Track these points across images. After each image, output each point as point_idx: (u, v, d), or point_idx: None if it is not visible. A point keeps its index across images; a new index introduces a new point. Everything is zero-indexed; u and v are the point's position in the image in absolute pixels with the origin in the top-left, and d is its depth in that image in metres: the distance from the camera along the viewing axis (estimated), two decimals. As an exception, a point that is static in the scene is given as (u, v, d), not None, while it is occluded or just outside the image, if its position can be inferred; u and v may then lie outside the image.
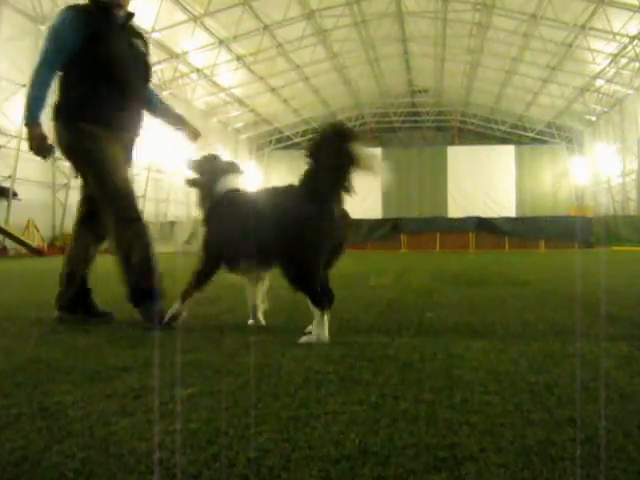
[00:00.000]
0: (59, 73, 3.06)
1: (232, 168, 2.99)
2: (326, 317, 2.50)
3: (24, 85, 17.37)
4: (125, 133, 3.20)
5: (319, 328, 2.48)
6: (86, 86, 3.05)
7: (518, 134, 33.44)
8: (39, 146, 2.99)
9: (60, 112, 3.06)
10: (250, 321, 2.98)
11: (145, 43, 3.36)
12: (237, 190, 2.88)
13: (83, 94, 3.05)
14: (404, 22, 23.97)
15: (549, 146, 33.18)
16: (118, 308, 3.70)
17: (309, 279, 2.49)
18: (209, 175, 2.94)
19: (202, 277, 2.84)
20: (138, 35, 3.34)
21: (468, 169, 32.33)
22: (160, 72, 22.12)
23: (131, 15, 3.22)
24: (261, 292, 2.96)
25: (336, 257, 2.62)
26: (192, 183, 3.03)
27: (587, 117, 28.55)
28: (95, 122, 3.04)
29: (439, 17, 22.77)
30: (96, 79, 3.04)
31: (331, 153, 2.43)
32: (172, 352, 2.28)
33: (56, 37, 2.99)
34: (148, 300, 3.01)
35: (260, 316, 2.98)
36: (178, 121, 3.53)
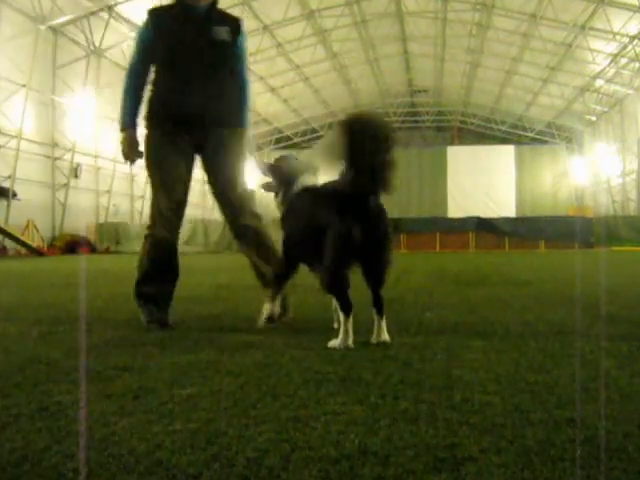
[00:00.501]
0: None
1: (306, 168, 2.84)
2: (350, 322, 2.39)
3: (24, 85, 17.41)
4: (195, 127, 3.04)
5: (343, 333, 2.39)
6: (155, 83, 3.05)
7: (518, 134, 33.44)
8: (126, 152, 3.02)
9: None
10: (336, 324, 2.73)
11: (233, 29, 3.14)
12: (307, 189, 2.73)
13: (152, 91, 3.05)
14: (404, 22, 23.98)
15: (549, 146, 33.17)
16: (118, 308, 3.71)
17: (330, 282, 2.44)
18: (284, 179, 2.85)
19: (281, 278, 2.83)
20: (224, 22, 3.16)
21: (468, 169, 32.29)
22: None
23: (213, 3, 3.11)
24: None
25: (376, 258, 2.48)
26: (267, 188, 2.96)
27: (587, 117, 28.57)
28: (159, 119, 3.01)
29: (439, 17, 22.79)
30: (161, 75, 3.04)
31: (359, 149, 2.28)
32: (172, 352, 2.28)
33: (136, 41, 3.08)
34: (152, 303, 3.01)
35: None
36: None
